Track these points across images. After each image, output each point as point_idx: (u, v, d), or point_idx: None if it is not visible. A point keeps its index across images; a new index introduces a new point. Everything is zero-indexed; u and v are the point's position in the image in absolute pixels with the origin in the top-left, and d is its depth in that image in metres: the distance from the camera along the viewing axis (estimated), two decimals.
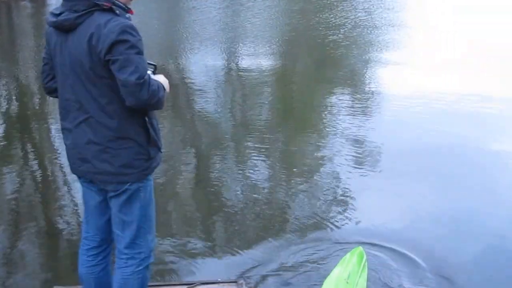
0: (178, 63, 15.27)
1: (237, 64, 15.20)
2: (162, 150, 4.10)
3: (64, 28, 3.69)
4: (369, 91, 11.93)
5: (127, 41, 3.56)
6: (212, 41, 17.24)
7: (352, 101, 11.08)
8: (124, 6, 3.73)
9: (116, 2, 3.70)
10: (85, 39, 3.59)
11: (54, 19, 3.71)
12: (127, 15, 3.74)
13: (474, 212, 6.96)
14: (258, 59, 14.89)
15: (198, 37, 17.80)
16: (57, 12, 3.72)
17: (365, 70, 13.64)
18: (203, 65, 14.43)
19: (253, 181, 7.76)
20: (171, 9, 24.74)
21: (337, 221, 6.63)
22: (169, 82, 3.99)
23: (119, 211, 3.97)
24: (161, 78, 3.89)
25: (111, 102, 3.73)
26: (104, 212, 4.12)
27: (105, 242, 4.26)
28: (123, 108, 3.73)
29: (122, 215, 3.97)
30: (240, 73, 14.27)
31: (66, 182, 7.87)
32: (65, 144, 4.03)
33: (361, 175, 7.97)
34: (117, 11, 3.65)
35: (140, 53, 3.65)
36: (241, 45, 17.21)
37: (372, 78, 13.08)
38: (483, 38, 16.59)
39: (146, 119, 3.86)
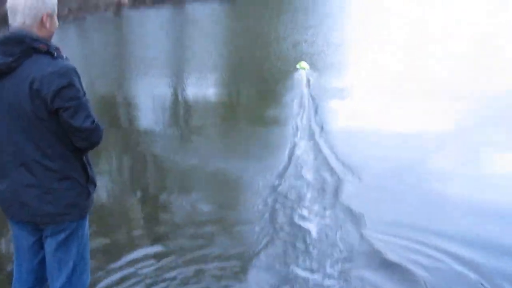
0: (123, 94, 15.11)
1: (183, 94, 15.13)
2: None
3: (0, 72, 3.63)
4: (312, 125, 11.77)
5: (73, 85, 3.61)
6: (158, 70, 17.27)
7: (298, 134, 10.88)
8: (54, 46, 3.70)
9: (48, 42, 3.69)
10: (26, 82, 3.56)
11: None
12: (65, 55, 3.74)
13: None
14: (204, 89, 14.86)
15: (144, 66, 17.84)
16: None
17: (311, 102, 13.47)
18: (148, 95, 14.35)
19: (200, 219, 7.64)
20: (119, 40, 25.29)
21: None
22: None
23: (56, 250, 3.96)
24: None
25: (52, 144, 3.72)
26: (37, 253, 4.09)
27: (39, 283, 4.22)
28: (64, 149, 3.75)
29: (60, 253, 3.97)
30: (186, 102, 14.19)
31: None
32: None
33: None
34: (55, 53, 3.64)
35: (85, 94, 3.72)
36: (187, 74, 17.34)
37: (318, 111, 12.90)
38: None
39: (84, 158, 3.93)
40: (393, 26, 24.04)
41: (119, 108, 13.64)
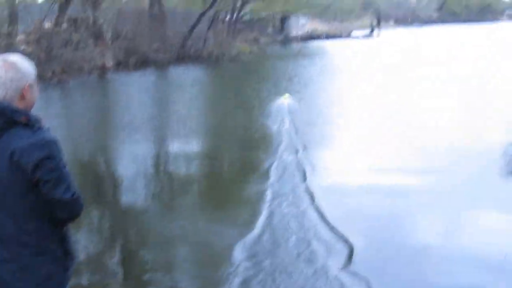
0: (106, 159, 15.07)
1: (166, 160, 15.04)
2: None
3: None
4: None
5: (54, 157, 3.56)
6: (141, 135, 17.17)
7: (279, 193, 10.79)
8: (35, 117, 3.65)
9: (29, 114, 3.64)
10: (6, 155, 3.51)
11: None
12: (46, 126, 3.68)
13: None
14: (187, 155, 14.73)
15: (127, 131, 17.82)
16: None
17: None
18: (131, 160, 14.17)
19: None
20: (102, 104, 25.29)
21: None
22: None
23: None
24: None
25: (30, 218, 3.64)
26: None
27: None
28: (42, 223, 3.67)
29: None
30: (169, 169, 14.06)
31: None
32: None
33: None
34: (35, 125, 3.59)
35: (66, 166, 3.64)
36: (170, 139, 17.22)
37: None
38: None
39: (63, 231, 3.81)
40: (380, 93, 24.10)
41: (101, 174, 13.50)
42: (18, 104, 3.61)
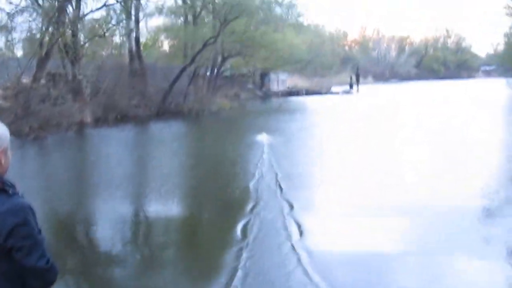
0: (83, 217, 14.58)
1: (144, 217, 14.72)
2: None
3: None
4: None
5: (27, 223, 3.45)
6: (120, 191, 16.95)
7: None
8: (9, 183, 3.53)
9: (2, 179, 3.51)
10: None
11: None
12: (20, 192, 3.56)
13: None
14: (165, 212, 14.52)
15: (105, 187, 17.58)
16: None
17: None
18: (108, 218, 13.88)
19: None
20: (80, 160, 25.15)
21: None
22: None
23: None
24: None
25: (2, 286, 3.50)
26: None
27: None
28: None
29: None
30: (147, 226, 13.81)
31: None
32: None
33: None
34: (10, 190, 3.48)
35: (39, 232, 3.54)
36: (149, 195, 16.82)
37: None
38: None
39: None
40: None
41: (79, 237, 13.15)
42: None
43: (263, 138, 26.94)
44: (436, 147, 23.54)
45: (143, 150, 27.67)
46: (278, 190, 15.50)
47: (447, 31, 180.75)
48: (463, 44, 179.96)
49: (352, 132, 30.37)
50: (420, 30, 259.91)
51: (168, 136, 32.37)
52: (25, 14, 37.52)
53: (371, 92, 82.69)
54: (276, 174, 17.59)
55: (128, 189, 17.80)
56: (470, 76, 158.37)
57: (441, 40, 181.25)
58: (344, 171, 19.23)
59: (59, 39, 37.04)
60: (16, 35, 38.13)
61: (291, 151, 24.12)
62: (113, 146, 28.67)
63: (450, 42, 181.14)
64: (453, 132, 27.57)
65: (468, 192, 15.10)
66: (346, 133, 30.16)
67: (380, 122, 35.35)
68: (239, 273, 9.25)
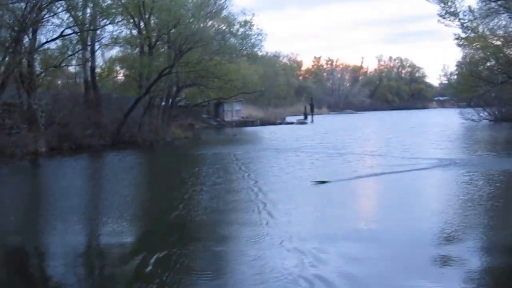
0: (34, 248, 14.64)
1: (98, 245, 14.98)
2: None
3: None
4: None
5: None
6: (73, 221, 17.07)
7: None
8: None
9: None
10: None
11: None
12: None
13: None
14: (120, 243, 14.57)
15: (57, 217, 17.67)
16: None
17: None
18: (62, 245, 14.10)
19: None
20: (33, 190, 25.49)
21: None
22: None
23: None
24: None
25: None
26: None
27: None
28: None
29: None
30: (100, 257, 13.77)
31: None
32: None
33: None
34: None
35: None
36: (102, 224, 16.93)
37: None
38: None
39: None
40: None
41: (29, 265, 13.21)
42: None
43: (213, 170, 27.24)
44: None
45: (96, 181, 27.92)
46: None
47: (401, 60, 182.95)
48: (417, 74, 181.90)
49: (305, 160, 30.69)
50: (373, 60, 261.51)
51: (121, 167, 32.53)
52: None
53: (325, 122, 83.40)
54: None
55: (81, 216, 18.11)
56: (424, 106, 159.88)
57: (395, 70, 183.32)
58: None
59: (15, 69, 37.11)
60: None
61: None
62: (66, 176, 28.69)
63: (404, 72, 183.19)
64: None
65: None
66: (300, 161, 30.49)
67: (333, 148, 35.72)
68: None
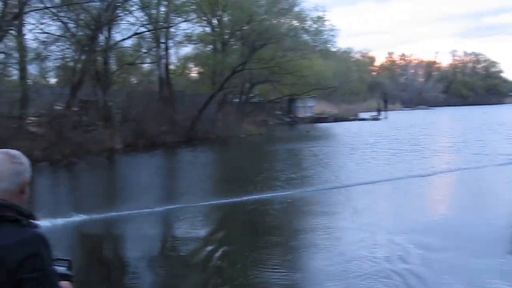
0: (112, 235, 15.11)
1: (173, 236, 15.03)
2: None
3: None
4: None
5: (39, 255, 3.34)
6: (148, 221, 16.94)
7: None
8: (28, 212, 3.47)
9: (21, 209, 3.45)
10: None
11: None
12: (35, 222, 3.49)
13: None
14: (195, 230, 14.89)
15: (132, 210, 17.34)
16: None
17: None
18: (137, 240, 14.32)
19: None
20: (108, 183, 25.38)
21: None
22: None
23: None
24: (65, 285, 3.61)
25: None
26: None
27: None
28: None
29: None
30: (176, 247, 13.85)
31: None
32: None
33: None
34: (24, 221, 3.41)
35: (52, 264, 3.45)
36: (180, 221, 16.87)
37: None
38: None
39: None
40: None
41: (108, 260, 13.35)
42: (15, 199, 3.47)
43: (289, 167, 26.94)
44: None
45: (173, 176, 28.00)
46: None
47: (476, 55, 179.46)
48: (492, 69, 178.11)
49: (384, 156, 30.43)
50: (447, 55, 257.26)
51: (196, 163, 32.33)
52: (59, 43, 38.32)
53: (399, 118, 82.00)
54: None
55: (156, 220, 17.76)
56: (499, 101, 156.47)
57: (470, 65, 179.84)
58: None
59: (91, 67, 37.49)
60: (49, 63, 38.88)
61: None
62: (143, 172, 28.68)
63: (479, 67, 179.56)
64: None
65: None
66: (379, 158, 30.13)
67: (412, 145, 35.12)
68: None
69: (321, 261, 11.65)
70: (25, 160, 3.57)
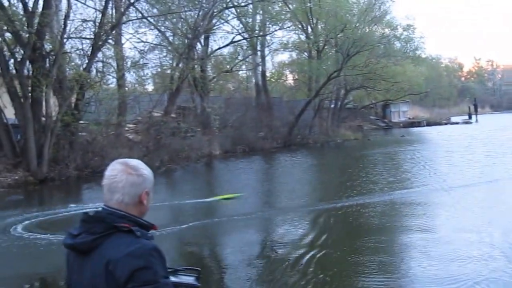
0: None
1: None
2: None
3: (81, 251, 3.09)
4: None
5: (150, 268, 2.97)
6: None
7: None
8: (146, 223, 3.18)
9: (138, 220, 3.14)
10: (102, 263, 3.00)
11: (71, 242, 3.11)
12: (150, 233, 3.17)
13: None
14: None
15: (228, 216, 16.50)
16: (75, 233, 3.11)
17: None
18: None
19: None
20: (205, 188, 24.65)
21: None
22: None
23: None
24: None
25: None
26: None
27: None
28: None
29: None
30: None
31: None
32: None
33: None
34: (138, 233, 3.05)
35: (165, 277, 3.05)
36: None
37: None
38: None
39: None
40: None
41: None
42: (133, 210, 3.17)
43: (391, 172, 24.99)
44: None
45: (278, 182, 26.27)
46: None
47: None
48: None
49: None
50: None
51: (296, 167, 31.04)
52: (156, 51, 37.71)
53: (491, 122, 78.75)
54: None
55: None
56: None
57: None
58: None
59: (189, 74, 36.16)
60: (147, 71, 38.13)
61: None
62: (240, 175, 27.89)
63: None
64: None
65: None
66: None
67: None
68: None
69: (429, 265, 10.50)
70: (144, 171, 3.29)
